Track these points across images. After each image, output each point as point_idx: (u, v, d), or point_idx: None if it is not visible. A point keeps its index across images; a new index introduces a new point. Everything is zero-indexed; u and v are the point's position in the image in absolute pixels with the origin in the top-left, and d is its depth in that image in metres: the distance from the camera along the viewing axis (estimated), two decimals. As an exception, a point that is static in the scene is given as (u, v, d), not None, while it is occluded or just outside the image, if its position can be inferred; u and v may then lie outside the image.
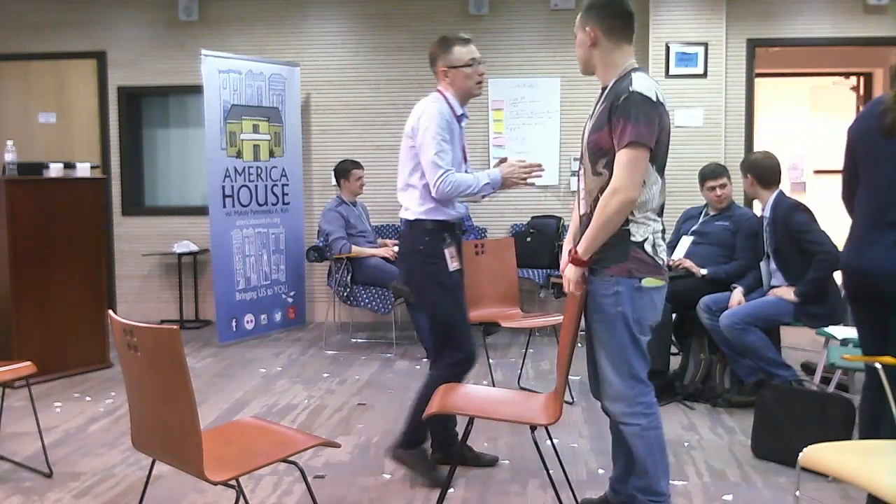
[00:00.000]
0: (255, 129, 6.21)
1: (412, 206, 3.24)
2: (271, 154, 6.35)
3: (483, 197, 3.40)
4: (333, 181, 6.18)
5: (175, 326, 2.13)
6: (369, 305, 5.69)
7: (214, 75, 5.87)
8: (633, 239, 2.51)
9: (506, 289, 4.76)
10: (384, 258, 5.74)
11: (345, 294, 5.78)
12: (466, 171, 3.40)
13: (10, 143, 4.91)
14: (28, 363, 3.37)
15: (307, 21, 6.80)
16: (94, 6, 6.90)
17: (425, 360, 5.43)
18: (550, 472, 2.85)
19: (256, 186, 6.22)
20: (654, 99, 2.44)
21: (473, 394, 2.96)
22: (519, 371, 5.00)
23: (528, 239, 6.22)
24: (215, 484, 2.15)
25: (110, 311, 2.60)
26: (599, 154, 2.51)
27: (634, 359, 2.55)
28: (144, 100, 7.12)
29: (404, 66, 6.75)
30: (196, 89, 6.19)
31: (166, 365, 2.16)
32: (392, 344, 5.90)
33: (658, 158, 2.50)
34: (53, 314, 4.93)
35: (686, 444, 3.70)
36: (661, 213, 2.60)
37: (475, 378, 4.94)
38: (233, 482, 2.21)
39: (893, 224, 2.59)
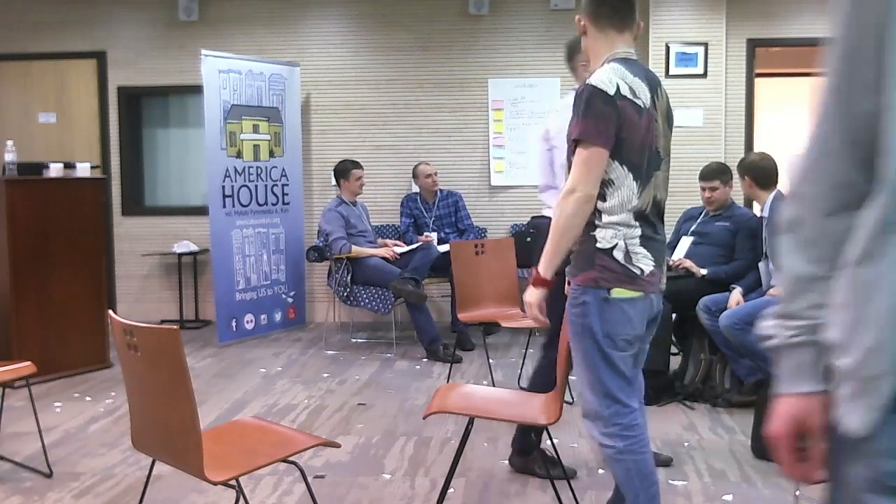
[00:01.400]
0: (255, 129, 6.21)
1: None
2: (271, 154, 6.35)
3: None
4: (333, 181, 6.19)
5: (175, 326, 2.13)
6: (369, 305, 5.69)
7: (214, 75, 5.87)
8: (598, 245, 2.29)
9: (506, 289, 4.76)
10: (384, 258, 5.74)
11: (345, 294, 5.78)
12: None
13: (10, 143, 4.92)
14: (28, 363, 3.37)
15: (307, 21, 6.81)
16: (94, 6, 6.90)
17: (425, 360, 5.43)
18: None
19: (256, 186, 6.23)
20: (612, 92, 2.24)
21: (473, 394, 2.96)
22: (519, 371, 5.00)
23: (528, 239, 6.21)
24: (215, 484, 2.15)
25: (110, 311, 2.60)
26: (571, 151, 2.35)
27: (606, 376, 2.33)
28: (144, 100, 7.12)
29: (404, 66, 6.75)
30: (196, 89, 6.19)
31: (166, 365, 2.16)
32: (392, 344, 5.90)
33: (628, 156, 2.28)
34: (53, 314, 4.93)
35: (686, 444, 3.70)
36: (647, 216, 2.34)
37: (475, 378, 4.94)
38: (233, 482, 2.21)
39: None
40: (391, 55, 6.75)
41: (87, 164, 5.19)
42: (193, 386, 2.15)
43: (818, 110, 1.05)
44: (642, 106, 2.28)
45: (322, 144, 6.85)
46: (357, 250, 5.77)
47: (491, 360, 5.21)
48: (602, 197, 2.30)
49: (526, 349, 5.16)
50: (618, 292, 2.28)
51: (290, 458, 2.34)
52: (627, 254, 2.29)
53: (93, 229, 5.15)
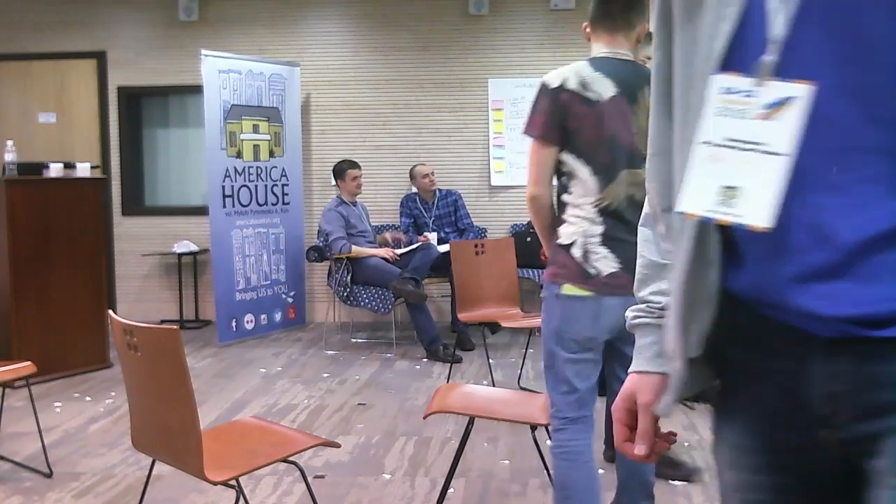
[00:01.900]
0: (255, 129, 6.21)
1: None
2: (271, 154, 6.35)
3: None
4: (333, 181, 6.19)
5: (175, 326, 2.13)
6: (369, 305, 5.69)
7: (214, 75, 5.87)
8: (559, 242, 2.28)
9: (506, 289, 4.76)
10: (384, 258, 5.74)
11: (345, 294, 5.78)
12: None
13: (10, 143, 4.92)
14: (28, 363, 3.37)
15: (307, 21, 6.81)
16: (94, 6, 6.90)
17: (425, 360, 5.43)
18: (550, 472, 2.85)
19: (256, 186, 6.23)
20: (554, 85, 2.25)
21: (473, 394, 2.96)
22: (519, 371, 5.00)
23: (528, 239, 6.22)
24: (215, 484, 2.15)
25: (110, 311, 2.60)
26: None
27: (549, 374, 2.32)
28: (144, 100, 7.13)
29: (404, 66, 6.75)
30: (196, 89, 6.19)
31: (166, 365, 2.16)
32: (392, 344, 5.90)
33: (582, 148, 2.24)
34: (53, 314, 4.93)
35: (686, 444, 3.70)
36: (617, 214, 2.25)
37: (475, 378, 4.94)
38: (233, 482, 2.21)
39: None
40: (391, 55, 6.75)
41: (87, 164, 5.20)
42: (193, 386, 2.15)
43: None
44: (595, 99, 2.23)
45: (322, 144, 6.85)
46: (357, 250, 5.77)
47: (491, 360, 5.21)
48: (566, 188, 2.30)
49: (526, 349, 5.16)
50: (567, 289, 2.25)
51: (290, 458, 2.34)
52: (586, 252, 2.24)
53: (93, 229, 5.15)
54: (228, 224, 6.01)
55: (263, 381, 4.92)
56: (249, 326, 6.18)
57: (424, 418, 2.88)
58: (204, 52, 5.86)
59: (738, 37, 0.91)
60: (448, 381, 4.80)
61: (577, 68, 2.28)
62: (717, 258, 0.97)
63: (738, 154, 0.89)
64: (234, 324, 6.05)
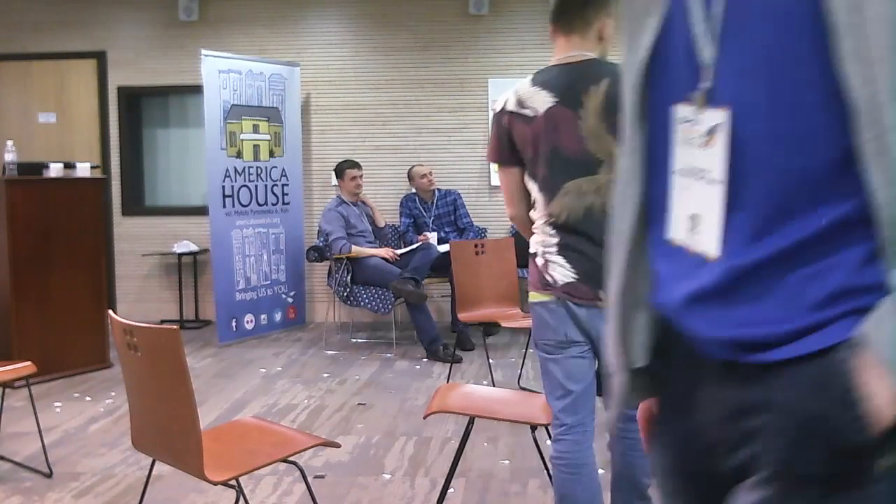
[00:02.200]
0: (255, 129, 6.21)
1: None
2: (271, 154, 6.35)
3: None
4: (333, 181, 6.20)
5: (175, 326, 2.13)
6: (369, 305, 5.69)
7: (214, 75, 5.87)
8: (529, 251, 2.35)
9: (506, 289, 4.76)
10: (384, 258, 5.74)
11: (345, 294, 5.78)
12: None
13: (10, 143, 4.92)
14: (28, 363, 3.37)
15: (307, 21, 6.81)
16: (94, 6, 6.90)
17: (425, 360, 5.43)
18: (551, 473, 2.85)
19: (256, 186, 6.23)
20: (499, 109, 2.30)
21: (473, 394, 2.96)
22: (519, 371, 5.00)
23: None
24: (215, 484, 2.15)
25: (110, 311, 2.60)
26: None
27: (544, 379, 2.34)
28: (144, 100, 7.12)
29: (404, 66, 6.75)
30: (196, 89, 6.19)
31: (166, 365, 2.16)
32: (392, 344, 5.90)
33: (530, 167, 2.28)
34: (53, 314, 4.93)
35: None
36: (570, 227, 2.22)
37: (475, 378, 4.94)
38: (233, 482, 2.21)
39: None
40: (391, 55, 6.75)
41: (87, 164, 5.20)
42: (193, 386, 2.15)
43: None
44: (531, 115, 2.22)
45: (322, 144, 6.85)
46: (357, 250, 5.77)
47: (491, 360, 5.21)
48: (532, 204, 2.35)
49: (526, 349, 5.16)
50: (532, 296, 2.31)
51: (290, 458, 2.34)
52: (546, 262, 2.26)
53: (93, 229, 5.15)
54: (228, 224, 6.01)
55: (263, 381, 4.92)
56: (249, 326, 6.18)
57: (424, 418, 2.88)
58: (204, 52, 5.86)
59: (672, 59, 0.91)
60: (448, 381, 4.80)
61: (518, 87, 2.29)
62: (648, 272, 0.96)
63: (696, 182, 0.89)
64: (234, 324, 6.05)
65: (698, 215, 0.88)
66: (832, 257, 0.78)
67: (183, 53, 6.81)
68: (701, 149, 0.88)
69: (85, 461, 3.56)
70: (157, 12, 6.86)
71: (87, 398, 4.57)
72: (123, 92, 6.96)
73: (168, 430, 2.24)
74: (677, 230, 0.92)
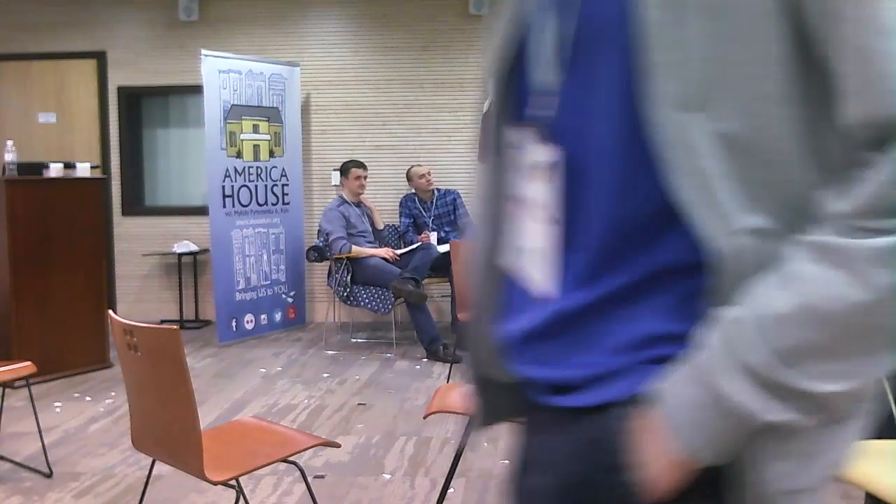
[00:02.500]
0: (255, 129, 6.21)
1: None
2: (271, 154, 6.35)
3: None
4: (334, 181, 6.20)
5: (175, 326, 2.13)
6: (369, 305, 5.69)
7: (214, 75, 5.87)
8: None
9: (506, 289, 4.76)
10: (384, 258, 5.74)
11: (345, 294, 5.78)
12: None
13: (10, 143, 4.92)
14: (28, 363, 3.37)
15: (307, 21, 6.81)
16: (94, 6, 6.90)
17: (425, 360, 5.43)
18: None
19: (256, 186, 6.23)
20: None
21: (473, 394, 2.95)
22: (519, 371, 4.99)
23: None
24: (215, 484, 2.15)
25: (110, 311, 2.60)
26: None
27: None
28: (144, 100, 7.13)
29: (404, 66, 6.75)
30: (196, 89, 6.19)
31: (166, 365, 2.16)
32: (392, 344, 5.90)
33: None
34: (53, 314, 4.93)
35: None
36: None
37: (475, 378, 4.94)
38: (233, 482, 2.21)
39: None
40: (391, 55, 6.75)
41: (87, 164, 5.20)
42: (193, 386, 2.15)
43: None
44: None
45: (322, 144, 6.85)
46: (357, 250, 5.77)
47: (491, 360, 5.20)
48: None
49: (526, 349, 5.16)
50: None
51: (290, 458, 2.34)
52: None
53: (93, 229, 5.15)
54: (228, 224, 6.01)
55: (263, 381, 4.92)
56: (249, 326, 6.18)
57: (424, 418, 2.88)
58: (204, 52, 5.86)
59: (520, 75, 0.84)
60: (448, 381, 4.79)
61: None
62: (501, 290, 0.93)
63: (526, 214, 0.84)
64: (234, 324, 6.05)
65: (529, 249, 0.83)
66: (647, 301, 0.73)
67: (183, 53, 6.81)
68: (530, 181, 0.82)
69: (85, 461, 3.56)
70: (157, 12, 6.86)
71: (87, 398, 4.57)
72: (123, 92, 6.96)
73: (168, 430, 2.24)
74: (507, 256, 0.87)
